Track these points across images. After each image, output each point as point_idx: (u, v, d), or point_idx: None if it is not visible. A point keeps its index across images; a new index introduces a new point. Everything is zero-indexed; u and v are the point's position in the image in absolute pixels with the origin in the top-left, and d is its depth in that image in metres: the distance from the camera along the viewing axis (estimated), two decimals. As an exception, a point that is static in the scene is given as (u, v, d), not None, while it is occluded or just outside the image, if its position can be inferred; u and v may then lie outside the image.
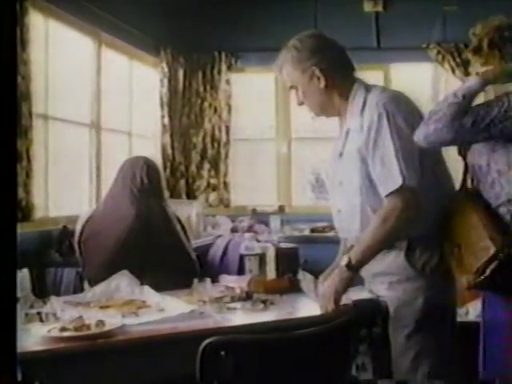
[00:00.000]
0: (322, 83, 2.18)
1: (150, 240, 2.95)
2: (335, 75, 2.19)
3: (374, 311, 2.27)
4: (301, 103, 2.25)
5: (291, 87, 2.26)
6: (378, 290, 2.20)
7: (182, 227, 3.17)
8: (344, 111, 2.21)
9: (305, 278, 2.59)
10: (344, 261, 2.09)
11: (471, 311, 2.80)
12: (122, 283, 2.57)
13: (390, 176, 2.04)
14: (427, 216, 2.05)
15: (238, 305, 2.36)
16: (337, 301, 2.10)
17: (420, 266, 2.09)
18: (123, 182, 3.04)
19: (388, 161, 2.04)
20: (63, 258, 3.73)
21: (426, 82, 6.25)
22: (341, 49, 2.26)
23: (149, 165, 3.09)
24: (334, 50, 2.23)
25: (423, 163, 2.07)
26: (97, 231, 2.97)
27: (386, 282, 2.16)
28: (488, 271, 1.85)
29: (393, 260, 2.12)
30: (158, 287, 2.53)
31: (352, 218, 2.17)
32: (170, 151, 5.87)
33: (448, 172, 2.21)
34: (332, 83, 2.19)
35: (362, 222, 2.14)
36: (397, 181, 2.02)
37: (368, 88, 2.19)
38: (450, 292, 2.15)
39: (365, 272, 2.20)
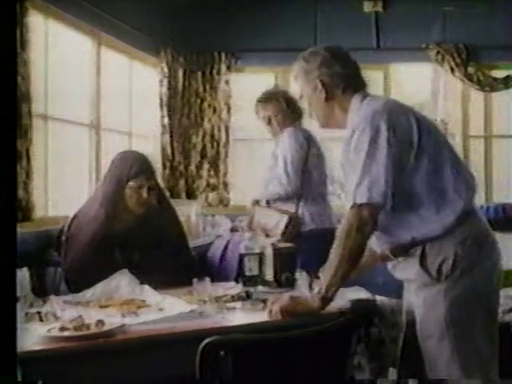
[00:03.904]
0: (323, 96, 2.25)
1: (139, 236, 2.93)
2: (336, 90, 2.25)
3: (371, 311, 2.28)
4: (309, 114, 2.37)
5: (300, 96, 2.36)
6: (409, 295, 2.24)
7: (178, 221, 3.16)
8: (345, 125, 2.26)
9: (302, 277, 2.60)
10: (315, 289, 2.13)
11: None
12: (122, 282, 2.57)
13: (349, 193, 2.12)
14: (437, 220, 2.09)
15: (237, 304, 2.36)
16: (281, 314, 2.14)
17: (435, 271, 2.10)
18: (110, 177, 2.97)
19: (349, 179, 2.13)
20: (63, 257, 3.73)
21: (426, 82, 6.25)
22: (351, 65, 2.31)
23: (140, 157, 3.04)
24: (343, 65, 2.28)
25: (409, 176, 2.09)
26: (77, 230, 2.93)
27: (411, 288, 2.21)
28: None
29: (411, 268, 2.15)
30: (160, 287, 2.53)
31: None
32: (169, 151, 5.87)
33: (463, 174, 2.18)
34: (332, 96, 2.26)
35: None
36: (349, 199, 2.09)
37: (362, 100, 2.24)
38: (479, 290, 2.11)
39: (395, 273, 2.25)
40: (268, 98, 4.00)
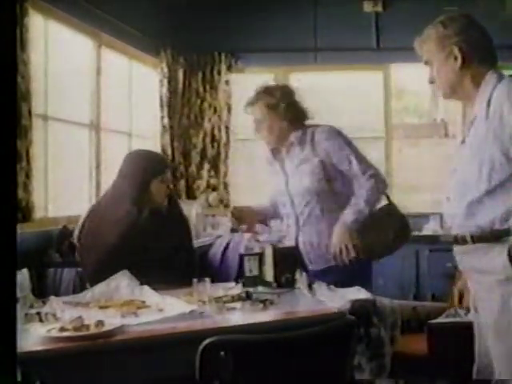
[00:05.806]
0: (458, 63, 2.17)
1: (156, 238, 2.92)
2: (473, 59, 2.17)
3: (370, 311, 2.28)
4: (432, 81, 2.28)
5: (426, 62, 2.29)
6: (477, 289, 2.11)
7: (184, 218, 3.17)
8: (473, 97, 2.17)
9: (301, 278, 2.60)
10: None
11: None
12: (122, 283, 2.57)
13: None
14: None
15: (237, 305, 2.36)
16: None
17: None
18: (133, 175, 2.94)
19: None
20: (63, 258, 3.73)
21: (426, 82, 6.25)
22: (488, 37, 2.25)
23: (158, 154, 3.10)
24: (481, 35, 2.23)
25: None
26: (96, 228, 2.91)
27: (485, 281, 2.05)
28: None
29: (495, 256, 1.99)
30: (161, 286, 2.53)
31: (459, 204, 2.10)
32: (169, 151, 5.87)
33: None
34: (467, 65, 2.17)
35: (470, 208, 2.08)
36: None
37: (500, 78, 2.15)
38: None
39: (464, 264, 2.13)
40: (253, 102, 3.04)
